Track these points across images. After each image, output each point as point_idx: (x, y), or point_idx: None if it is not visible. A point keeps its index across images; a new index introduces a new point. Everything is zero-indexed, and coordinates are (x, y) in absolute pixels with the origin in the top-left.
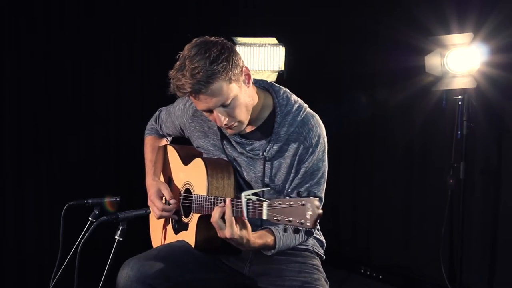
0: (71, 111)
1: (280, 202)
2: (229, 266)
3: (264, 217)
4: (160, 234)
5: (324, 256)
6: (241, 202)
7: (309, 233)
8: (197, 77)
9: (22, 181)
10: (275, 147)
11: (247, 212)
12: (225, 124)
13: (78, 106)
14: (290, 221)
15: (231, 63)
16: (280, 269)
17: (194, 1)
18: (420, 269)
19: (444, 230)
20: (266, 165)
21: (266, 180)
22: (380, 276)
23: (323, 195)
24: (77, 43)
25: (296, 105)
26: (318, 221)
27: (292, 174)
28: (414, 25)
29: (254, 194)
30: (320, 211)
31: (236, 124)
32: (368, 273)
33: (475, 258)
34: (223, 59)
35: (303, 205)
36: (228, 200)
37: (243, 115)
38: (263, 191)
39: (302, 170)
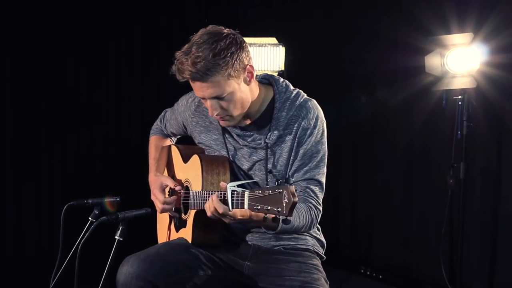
0: (71, 111)
1: (259, 191)
2: (228, 264)
3: (246, 207)
4: (165, 232)
5: (325, 256)
6: (226, 193)
7: (285, 221)
8: (197, 66)
9: (22, 181)
10: (276, 132)
11: (232, 203)
12: (216, 115)
13: (78, 106)
14: (268, 210)
15: (234, 60)
16: (280, 268)
17: (194, 2)
18: (420, 269)
19: (444, 230)
20: (268, 151)
21: (269, 166)
22: (380, 276)
23: (323, 180)
24: (77, 43)
25: (295, 92)
26: (316, 213)
27: (292, 157)
28: (414, 25)
29: (241, 186)
30: (296, 199)
31: (227, 117)
32: (368, 273)
33: (475, 258)
34: (227, 55)
35: (280, 193)
36: (214, 194)
37: (236, 111)
38: (254, 182)
39: (301, 152)
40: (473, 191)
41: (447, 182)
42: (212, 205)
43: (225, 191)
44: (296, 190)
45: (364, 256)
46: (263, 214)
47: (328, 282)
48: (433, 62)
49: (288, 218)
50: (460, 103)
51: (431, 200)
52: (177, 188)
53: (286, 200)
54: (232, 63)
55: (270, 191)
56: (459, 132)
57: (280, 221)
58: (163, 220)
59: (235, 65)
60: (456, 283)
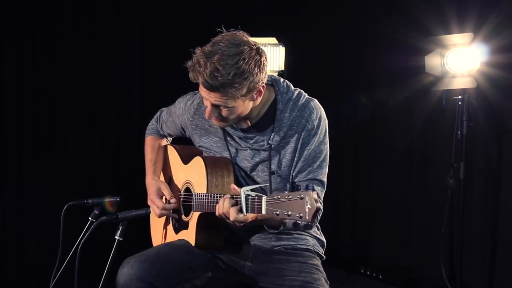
0: (71, 111)
1: (279, 196)
2: (229, 265)
3: (263, 212)
4: (160, 233)
5: (325, 256)
6: (240, 198)
7: (308, 227)
8: (213, 79)
9: (22, 181)
10: (280, 133)
11: (246, 207)
12: (212, 118)
13: (78, 106)
14: (289, 215)
15: (250, 83)
16: (281, 268)
17: (194, 2)
18: (420, 269)
19: (444, 230)
20: (272, 153)
21: (273, 167)
22: (380, 276)
23: (325, 179)
24: (77, 43)
25: (296, 92)
26: (318, 214)
27: (296, 159)
28: (414, 25)
29: (253, 190)
30: (319, 204)
31: (222, 121)
32: (368, 273)
33: (475, 258)
34: (247, 77)
35: (301, 198)
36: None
37: (233, 119)
38: (261, 187)
39: (305, 153)
40: (473, 191)
41: (447, 182)
42: (226, 210)
43: (238, 194)
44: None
45: (364, 256)
46: (274, 216)
47: (328, 282)
48: (433, 62)
49: (310, 224)
50: (460, 103)
51: (431, 200)
52: (172, 200)
53: (309, 206)
54: (247, 85)
55: (290, 197)
56: (459, 132)
57: (301, 225)
58: (158, 221)
59: (249, 86)
60: (456, 283)
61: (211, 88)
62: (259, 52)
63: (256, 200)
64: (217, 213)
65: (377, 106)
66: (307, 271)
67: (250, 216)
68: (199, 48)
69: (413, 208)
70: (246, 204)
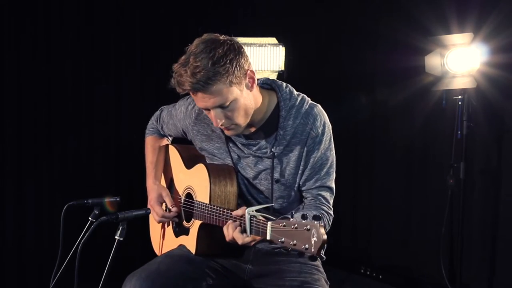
0: (71, 111)
1: (284, 223)
2: (229, 269)
3: (268, 237)
4: (159, 235)
5: (325, 257)
6: (244, 219)
7: (313, 259)
8: (197, 77)
9: (22, 181)
10: (283, 141)
11: (251, 229)
12: (221, 125)
13: (78, 106)
14: (294, 245)
15: (234, 66)
16: (281, 269)
17: (194, 1)
18: (420, 269)
19: (444, 230)
20: (275, 161)
21: (276, 175)
22: (380, 276)
23: (333, 185)
24: (77, 43)
25: (300, 98)
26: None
27: (301, 167)
28: (414, 25)
29: (258, 211)
30: (325, 237)
31: (233, 126)
32: (368, 273)
33: (475, 258)
34: (226, 61)
35: (308, 230)
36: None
37: (241, 119)
38: (267, 207)
39: (311, 160)
40: (473, 191)
41: (447, 182)
42: (230, 237)
43: (242, 215)
44: (307, 198)
45: (364, 256)
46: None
47: (329, 283)
48: (433, 62)
49: (315, 256)
50: (460, 103)
51: (431, 200)
52: (174, 209)
53: (315, 238)
54: (232, 69)
55: (296, 226)
56: (459, 132)
57: (306, 256)
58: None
59: (236, 71)
60: (456, 283)
61: (200, 87)
62: (229, 39)
63: (261, 224)
64: (227, 239)
65: (377, 106)
66: (307, 271)
67: (258, 237)
68: (175, 64)
69: (413, 208)
70: (251, 226)
